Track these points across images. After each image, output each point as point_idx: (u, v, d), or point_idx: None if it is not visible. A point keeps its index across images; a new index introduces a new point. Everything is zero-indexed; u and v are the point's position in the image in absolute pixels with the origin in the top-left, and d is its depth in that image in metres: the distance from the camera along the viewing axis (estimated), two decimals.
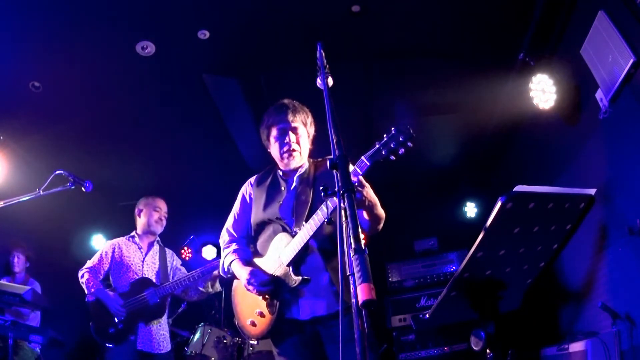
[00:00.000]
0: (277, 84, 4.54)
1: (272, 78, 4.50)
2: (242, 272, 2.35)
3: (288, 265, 2.24)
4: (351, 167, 2.06)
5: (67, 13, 3.47)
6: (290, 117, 2.44)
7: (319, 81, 1.81)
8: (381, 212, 2.26)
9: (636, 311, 3.07)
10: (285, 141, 2.43)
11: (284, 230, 2.33)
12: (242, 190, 2.64)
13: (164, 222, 4.06)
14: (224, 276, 2.56)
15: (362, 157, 2.05)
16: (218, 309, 5.58)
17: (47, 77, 4.07)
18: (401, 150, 2.00)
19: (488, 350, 1.96)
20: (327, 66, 1.84)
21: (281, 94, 4.53)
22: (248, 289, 2.30)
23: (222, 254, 2.55)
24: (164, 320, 3.80)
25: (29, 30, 3.57)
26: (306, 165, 2.54)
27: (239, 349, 4.73)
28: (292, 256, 2.23)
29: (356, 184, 2.02)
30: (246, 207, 2.57)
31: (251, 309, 2.37)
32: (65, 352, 4.82)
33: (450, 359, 4.90)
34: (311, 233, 2.17)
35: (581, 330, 3.72)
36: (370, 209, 2.18)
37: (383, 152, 2.02)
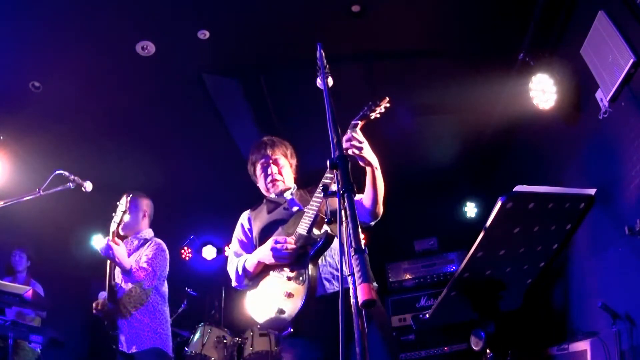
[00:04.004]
0: (277, 84, 4.54)
1: (272, 78, 4.50)
2: (264, 246, 2.34)
3: (307, 233, 2.27)
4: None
5: (67, 13, 3.47)
6: (269, 152, 2.64)
7: (319, 81, 1.81)
8: (382, 181, 2.34)
9: (636, 311, 3.07)
10: (268, 173, 2.62)
11: (293, 216, 2.40)
12: (240, 220, 2.67)
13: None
14: (239, 284, 2.49)
15: (352, 121, 2.27)
16: (218, 309, 5.59)
17: (47, 77, 4.07)
18: (380, 109, 2.31)
19: (488, 350, 1.96)
20: (327, 66, 1.84)
21: (281, 94, 4.59)
22: (276, 249, 2.24)
23: (232, 267, 2.50)
24: (129, 316, 3.47)
25: (29, 30, 3.57)
26: (295, 188, 2.67)
27: (239, 349, 4.74)
28: (309, 224, 2.27)
29: (354, 138, 2.18)
30: (248, 230, 2.61)
31: (276, 297, 2.25)
32: (65, 352, 4.82)
33: (450, 359, 4.90)
34: (321, 200, 2.26)
35: (581, 330, 3.72)
36: (374, 171, 2.25)
37: (367, 112, 2.29)
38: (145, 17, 3.61)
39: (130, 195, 3.64)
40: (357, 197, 2.42)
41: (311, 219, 2.28)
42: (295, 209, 2.50)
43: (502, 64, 4.19)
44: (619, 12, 2.92)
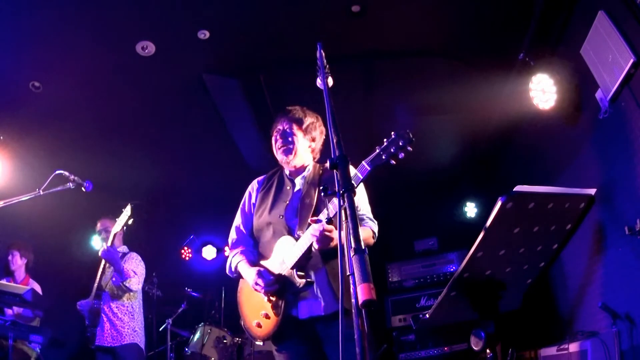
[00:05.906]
0: (277, 84, 4.54)
1: (272, 78, 4.50)
2: (249, 272, 2.38)
3: (292, 269, 2.26)
4: (353, 171, 2.08)
5: (67, 13, 3.47)
6: (283, 119, 2.55)
7: (319, 81, 1.81)
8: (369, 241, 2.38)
9: (636, 311, 3.07)
10: (278, 139, 2.54)
11: (287, 233, 2.36)
12: (249, 188, 2.70)
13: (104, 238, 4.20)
14: (231, 276, 2.58)
15: (363, 162, 2.05)
16: (218, 309, 5.59)
17: (47, 77, 4.07)
18: (401, 155, 2.01)
19: (488, 350, 1.96)
20: (327, 66, 1.83)
21: (281, 94, 4.60)
22: (255, 289, 2.32)
23: (230, 254, 2.57)
24: (111, 315, 3.96)
25: (29, 30, 3.57)
26: (311, 167, 2.58)
27: (239, 349, 4.75)
28: (296, 260, 2.24)
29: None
30: (252, 205, 2.62)
31: (257, 311, 2.38)
32: (65, 352, 4.83)
33: (450, 359, 4.90)
34: (314, 239, 2.16)
35: (581, 330, 3.72)
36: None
37: (383, 157, 2.02)
38: (145, 17, 3.61)
39: (101, 220, 4.26)
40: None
41: (301, 252, 2.23)
42: (294, 199, 2.45)
43: (502, 64, 4.19)
44: (619, 12, 2.92)
